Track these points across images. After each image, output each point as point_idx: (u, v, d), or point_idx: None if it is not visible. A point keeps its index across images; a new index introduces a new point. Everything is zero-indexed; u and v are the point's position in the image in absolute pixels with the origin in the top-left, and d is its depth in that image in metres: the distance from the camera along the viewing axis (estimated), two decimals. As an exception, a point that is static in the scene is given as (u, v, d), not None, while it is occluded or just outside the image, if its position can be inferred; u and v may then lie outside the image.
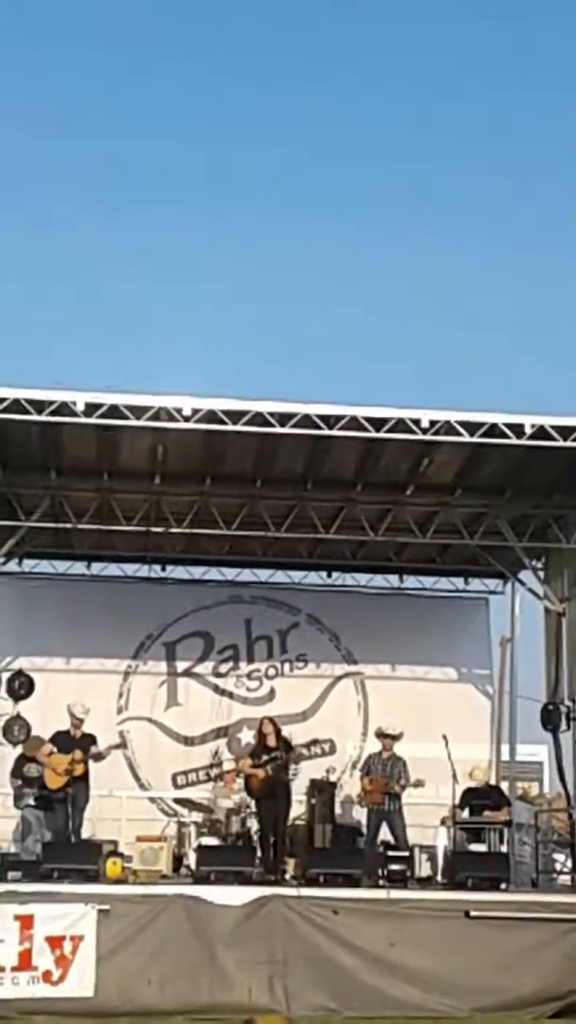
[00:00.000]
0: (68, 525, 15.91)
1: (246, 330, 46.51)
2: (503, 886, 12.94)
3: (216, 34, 45.09)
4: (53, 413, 12.85)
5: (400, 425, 13.15)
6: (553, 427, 13.19)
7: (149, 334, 45.00)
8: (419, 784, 14.23)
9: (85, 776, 13.96)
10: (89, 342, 42.76)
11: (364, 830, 14.84)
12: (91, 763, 14.03)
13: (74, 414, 12.83)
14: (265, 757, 14.01)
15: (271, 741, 14.14)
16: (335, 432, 13.18)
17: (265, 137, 45.71)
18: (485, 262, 46.42)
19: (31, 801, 14.44)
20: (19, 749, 15.35)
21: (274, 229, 47.89)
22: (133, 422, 12.99)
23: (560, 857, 15.93)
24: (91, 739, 14.08)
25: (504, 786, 16.32)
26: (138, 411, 12.93)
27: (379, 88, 46.85)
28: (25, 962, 11.38)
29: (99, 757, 14.10)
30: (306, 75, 45.52)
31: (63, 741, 13.98)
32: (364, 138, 45.67)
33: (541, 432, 13.19)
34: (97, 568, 18.50)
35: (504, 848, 14.30)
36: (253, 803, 14.42)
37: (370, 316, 45.07)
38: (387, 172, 45.93)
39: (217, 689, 18.18)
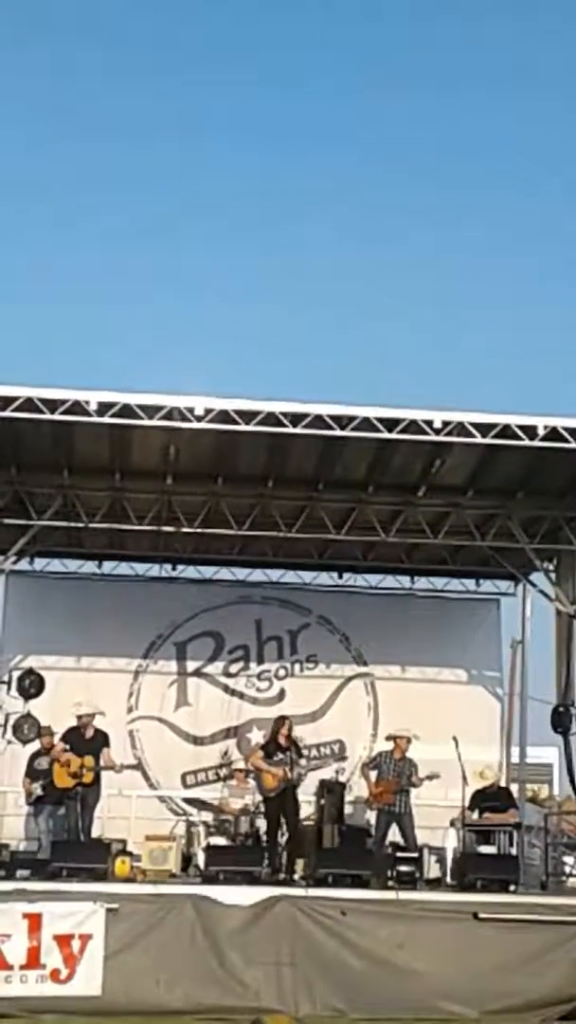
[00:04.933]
0: (80, 524, 15.91)
1: (244, 330, 46.64)
2: (512, 888, 12.94)
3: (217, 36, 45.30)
4: (66, 412, 12.85)
5: (412, 426, 13.13)
6: (566, 429, 13.16)
7: (148, 334, 45.15)
8: (433, 776, 14.19)
9: (96, 779, 13.92)
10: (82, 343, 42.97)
11: (373, 831, 14.82)
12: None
13: (86, 413, 12.84)
14: (279, 756, 13.99)
15: (283, 741, 14.12)
16: (347, 433, 13.17)
17: (264, 137, 45.91)
18: (485, 264, 46.53)
19: (40, 792, 14.46)
20: (34, 745, 15.37)
21: (273, 228, 48.07)
22: (145, 422, 12.99)
23: (569, 860, 15.91)
24: (103, 739, 14.00)
25: (514, 788, 16.29)
26: (150, 411, 12.93)
27: (380, 89, 46.98)
28: (33, 960, 11.38)
29: (110, 768, 14.02)
30: (303, 76, 45.71)
31: (75, 740, 13.92)
32: (365, 140, 45.82)
33: (554, 434, 13.16)
34: (108, 567, 18.55)
35: (513, 850, 14.27)
36: (262, 802, 14.39)
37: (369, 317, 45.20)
38: (388, 175, 46.11)
39: (227, 689, 18.18)
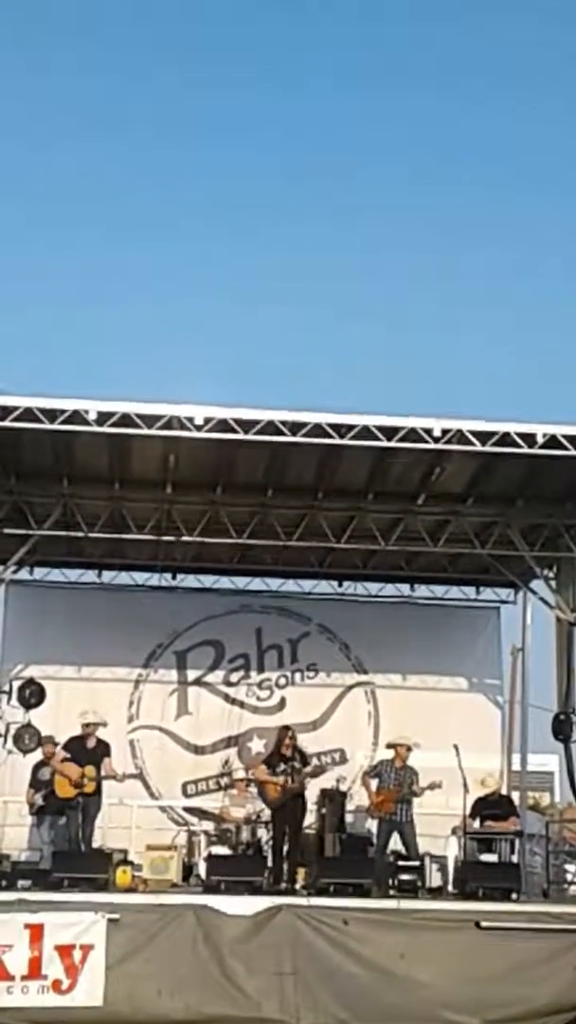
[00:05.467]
0: (79, 534, 15.90)
1: (244, 330, 46.66)
2: (514, 896, 12.93)
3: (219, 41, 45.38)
4: (65, 422, 12.85)
5: (412, 434, 13.13)
6: (565, 436, 13.16)
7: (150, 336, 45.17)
8: (435, 786, 14.17)
9: (98, 788, 13.89)
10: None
11: (374, 839, 14.79)
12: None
13: (86, 423, 12.84)
14: (282, 766, 13.93)
15: (287, 751, 14.06)
16: (347, 441, 13.17)
17: (267, 141, 46.01)
18: (485, 269, 46.61)
19: (41, 802, 14.44)
20: (37, 755, 15.33)
21: (273, 228, 48.13)
22: (145, 431, 12.99)
23: (571, 867, 15.90)
24: (105, 749, 13.95)
25: (515, 796, 16.27)
26: (150, 420, 12.93)
27: (380, 89, 47.08)
28: (35, 971, 11.36)
29: (112, 778, 13.98)
30: (306, 82, 45.82)
31: (76, 749, 13.87)
32: (366, 144, 45.90)
33: (553, 441, 13.16)
34: (108, 576, 18.54)
35: (515, 858, 14.25)
36: (265, 811, 14.34)
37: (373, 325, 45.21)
38: (388, 175, 46.22)
39: (228, 698, 18.15)
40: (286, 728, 14.51)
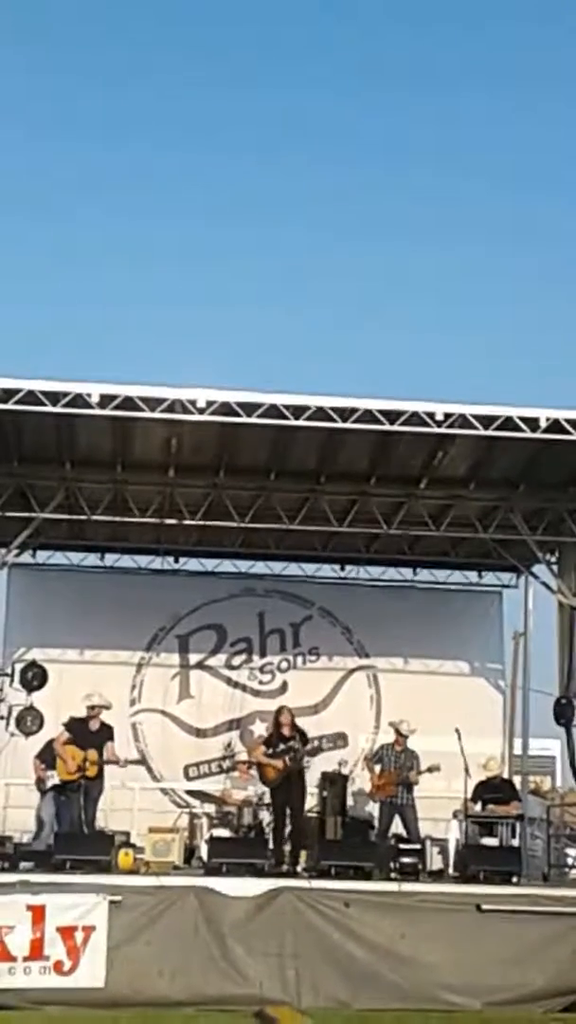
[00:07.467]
0: (82, 517, 15.91)
1: (243, 331, 46.59)
2: (514, 880, 12.94)
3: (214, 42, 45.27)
4: (68, 405, 12.86)
5: (414, 418, 13.14)
6: (568, 420, 13.17)
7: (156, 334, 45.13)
8: (434, 769, 14.20)
9: (100, 771, 13.88)
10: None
11: (376, 823, 14.84)
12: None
13: (88, 406, 12.85)
14: (281, 746, 13.92)
15: (287, 731, 14.08)
16: (349, 425, 13.18)
17: (263, 143, 45.93)
18: (485, 264, 46.50)
19: (56, 781, 14.35)
20: (51, 732, 15.22)
21: (272, 230, 48.06)
22: (147, 414, 13.00)
23: (572, 851, 15.95)
24: (108, 732, 13.89)
25: (516, 780, 16.30)
26: (152, 403, 12.94)
27: (377, 96, 46.98)
28: (36, 952, 11.38)
29: (115, 763, 13.96)
30: (301, 84, 45.71)
31: (79, 731, 13.84)
32: (360, 143, 45.78)
33: (556, 426, 13.17)
34: (111, 560, 18.56)
35: (516, 842, 14.26)
36: (267, 793, 14.36)
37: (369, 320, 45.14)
38: (388, 175, 46.14)
39: (230, 682, 18.19)
40: (281, 708, 14.51)
